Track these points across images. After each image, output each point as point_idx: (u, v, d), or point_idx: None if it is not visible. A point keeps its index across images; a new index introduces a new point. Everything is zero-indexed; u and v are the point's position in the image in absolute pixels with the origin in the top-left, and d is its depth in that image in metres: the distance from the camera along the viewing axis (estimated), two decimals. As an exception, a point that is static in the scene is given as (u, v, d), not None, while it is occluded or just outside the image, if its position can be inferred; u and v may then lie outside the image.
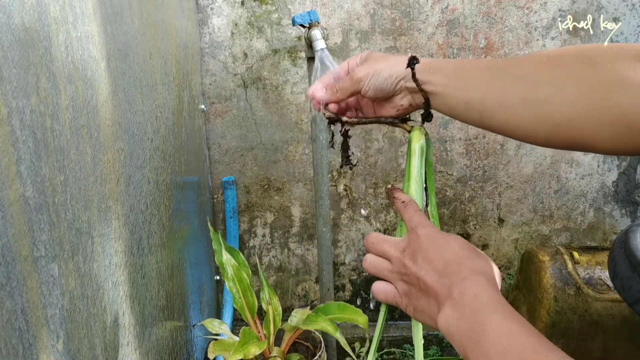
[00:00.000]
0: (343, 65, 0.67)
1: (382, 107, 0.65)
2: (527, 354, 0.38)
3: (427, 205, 0.61)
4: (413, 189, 0.60)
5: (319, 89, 0.66)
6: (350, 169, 0.74)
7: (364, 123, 0.67)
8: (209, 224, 1.22)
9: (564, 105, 0.47)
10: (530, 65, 0.51)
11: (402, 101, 0.62)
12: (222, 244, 1.17)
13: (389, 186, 0.61)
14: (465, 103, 0.54)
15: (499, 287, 0.48)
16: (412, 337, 0.58)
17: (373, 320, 1.71)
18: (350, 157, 0.71)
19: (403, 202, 0.58)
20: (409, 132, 0.62)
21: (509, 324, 0.41)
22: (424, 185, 0.61)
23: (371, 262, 0.56)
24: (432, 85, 0.57)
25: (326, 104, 0.67)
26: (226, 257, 1.16)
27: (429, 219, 0.57)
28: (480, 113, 0.53)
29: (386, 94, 0.62)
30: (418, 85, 0.57)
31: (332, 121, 0.67)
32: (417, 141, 0.61)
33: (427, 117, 0.62)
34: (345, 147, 0.70)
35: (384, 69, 0.60)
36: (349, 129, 0.68)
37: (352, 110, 0.69)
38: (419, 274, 0.50)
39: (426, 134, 0.62)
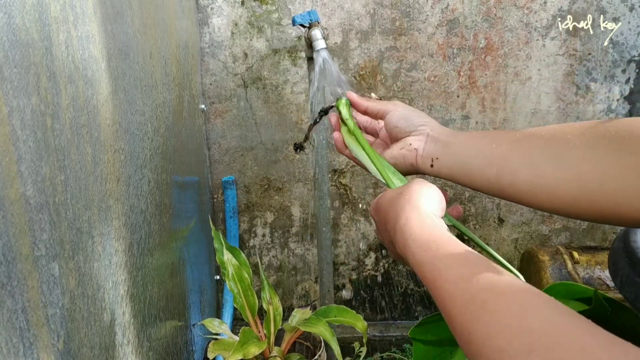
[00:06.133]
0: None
1: (391, 145, 0.64)
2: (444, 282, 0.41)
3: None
4: (370, 155, 0.63)
5: (354, 93, 0.68)
6: (297, 152, 0.83)
7: (312, 126, 0.75)
8: (210, 222, 1.22)
9: (598, 165, 0.43)
10: (563, 127, 0.49)
11: (415, 143, 0.60)
12: (223, 243, 1.17)
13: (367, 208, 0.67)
14: (485, 157, 0.52)
15: (441, 208, 0.50)
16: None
17: (370, 320, 1.71)
18: (307, 140, 0.78)
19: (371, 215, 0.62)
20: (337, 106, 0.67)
21: (438, 257, 0.44)
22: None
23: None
24: (452, 137, 0.57)
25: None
26: (227, 257, 1.16)
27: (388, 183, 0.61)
28: (499, 169, 0.50)
29: (404, 128, 0.61)
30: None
31: (299, 147, 0.77)
32: (344, 108, 0.66)
33: (326, 111, 0.71)
34: (313, 129, 0.76)
35: (419, 115, 0.62)
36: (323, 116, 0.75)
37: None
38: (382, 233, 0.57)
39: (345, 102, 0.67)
